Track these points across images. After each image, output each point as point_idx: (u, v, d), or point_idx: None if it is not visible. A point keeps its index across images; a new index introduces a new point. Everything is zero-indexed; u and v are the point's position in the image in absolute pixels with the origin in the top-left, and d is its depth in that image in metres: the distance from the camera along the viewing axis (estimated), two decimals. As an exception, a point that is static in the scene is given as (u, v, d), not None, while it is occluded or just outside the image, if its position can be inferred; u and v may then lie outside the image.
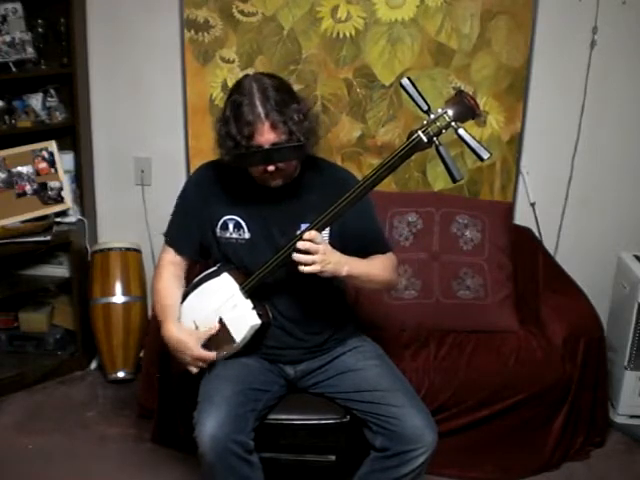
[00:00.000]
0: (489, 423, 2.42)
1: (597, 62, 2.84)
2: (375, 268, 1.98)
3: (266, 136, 1.81)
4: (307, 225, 1.85)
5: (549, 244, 3.02)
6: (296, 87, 2.77)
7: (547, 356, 2.46)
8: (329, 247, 1.84)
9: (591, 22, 2.79)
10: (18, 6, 2.74)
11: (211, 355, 1.95)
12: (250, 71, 2.84)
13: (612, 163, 2.99)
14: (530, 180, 3.00)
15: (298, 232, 1.84)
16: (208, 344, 1.96)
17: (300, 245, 1.79)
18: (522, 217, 3.01)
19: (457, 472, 2.45)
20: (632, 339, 2.71)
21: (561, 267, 2.83)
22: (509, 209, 2.90)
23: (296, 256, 1.79)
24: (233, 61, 2.90)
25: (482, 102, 2.89)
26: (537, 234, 3.01)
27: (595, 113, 2.91)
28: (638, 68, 2.87)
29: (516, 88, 2.88)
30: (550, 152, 2.98)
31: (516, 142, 2.94)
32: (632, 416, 2.76)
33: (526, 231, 2.96)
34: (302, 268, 1.79)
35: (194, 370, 1.98)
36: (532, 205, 3.03)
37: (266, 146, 1.81)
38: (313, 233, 1.79)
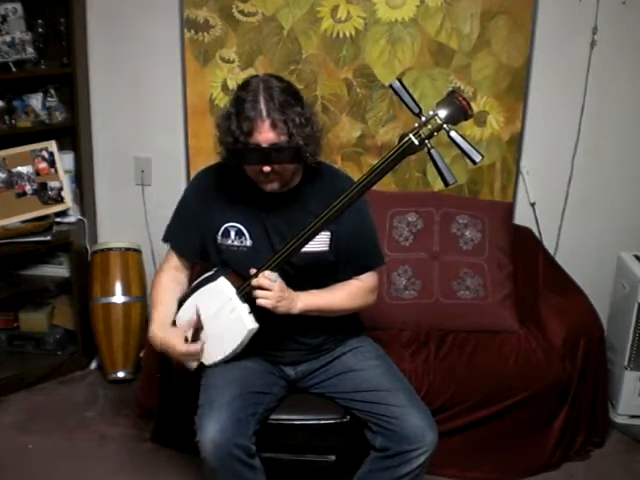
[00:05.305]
0: (489, 423, 2.41)
1: (597, 62, 2.84)
2: (339, 299, 2.00)
3: (265, 134, 1.79)
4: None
5: (549, 244, 3.02)
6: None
7: (547, 356, 2.45)
8: (284, 285, 1.88)
9: (591, 22, 2.79)
10: (18, 6, 2.74)
11: (196, 347, 1.92)
12: (250, 71, 2.85)
13: (612, 163, 2.99)
14: (530, 180, 3.00)
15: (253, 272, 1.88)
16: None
17: (254, 282, 1.85)
18: (522, 217, 3.01)
19: (457, 472, 2.44)
20: (632, 339, 2.71)
21: (561, 267, 2.83)
22: (509, 209, 2.90)
23: (255, 292, 1.86)
24: (233, 61, 2.90)
25: (482, 102, 2.89)
26: (537, 234, 3.01)
27: (595, 113, 2.91)
28: (638, 68, 2.88)
29: (516, 88, 2.88)
30: (550, 152, 2.98)
31: (516, 142, 2.95)
32: (632, 416, 2.76)
33: (526, 231, 2.96)
34: (259, 301, 1.86)
35: (193, 365, 1.96)
36: (532, 205, 3.03)
37: (264, 145, 1.80)
38: (267, 273, 1.84)
